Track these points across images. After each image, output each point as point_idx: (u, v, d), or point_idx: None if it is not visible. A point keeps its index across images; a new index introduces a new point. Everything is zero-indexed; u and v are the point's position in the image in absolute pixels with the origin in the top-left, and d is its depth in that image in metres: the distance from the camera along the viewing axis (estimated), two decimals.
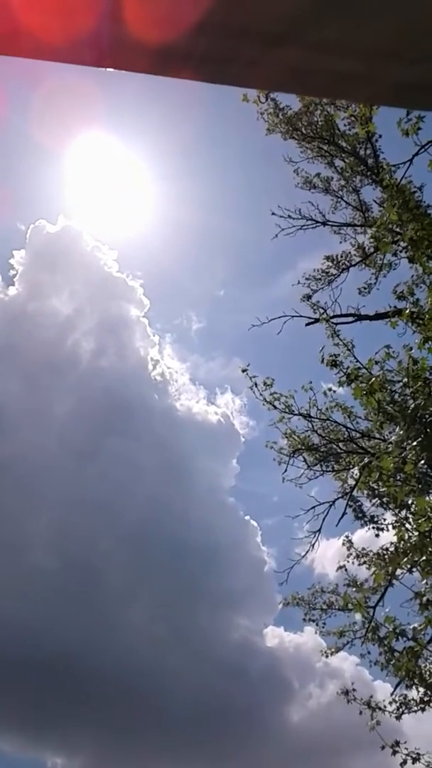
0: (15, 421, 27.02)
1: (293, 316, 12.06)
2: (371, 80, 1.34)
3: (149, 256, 30.71)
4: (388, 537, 11.19)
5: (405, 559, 8.52)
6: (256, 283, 31.70)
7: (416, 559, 8.17)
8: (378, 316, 11.75)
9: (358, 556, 11.50)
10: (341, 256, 12.92)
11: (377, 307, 11.94)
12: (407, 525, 8.80)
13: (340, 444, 11.54)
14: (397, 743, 9.06)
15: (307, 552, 12.29)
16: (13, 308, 27.23)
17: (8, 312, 27.32)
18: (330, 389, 11.08)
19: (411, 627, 8.89)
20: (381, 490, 10.09)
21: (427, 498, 8.25)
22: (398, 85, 1.35)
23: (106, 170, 24.51)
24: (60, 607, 25.23)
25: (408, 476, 7.92)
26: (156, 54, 1.21)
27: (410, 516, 8.79)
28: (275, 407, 11.24)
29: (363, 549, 11.58)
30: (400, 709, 9.91)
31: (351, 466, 11.79)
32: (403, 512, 9.36)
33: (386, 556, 10.86)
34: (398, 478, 8.27)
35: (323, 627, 11.82)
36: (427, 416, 8.18)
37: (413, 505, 8.35)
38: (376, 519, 11.63)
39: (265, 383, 11.13)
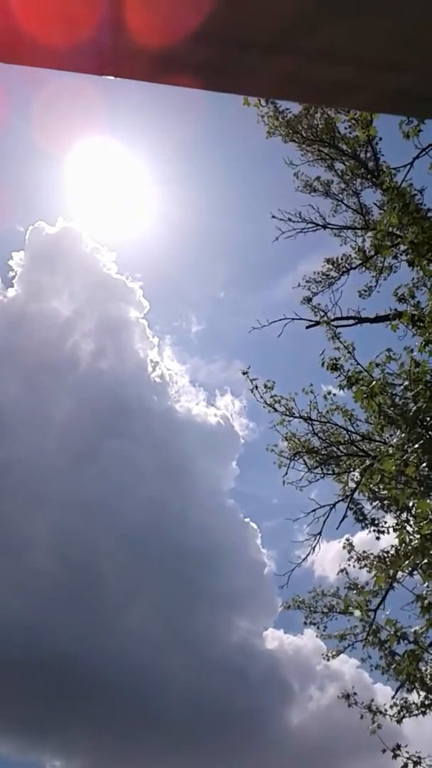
0: (14, 423, 27.04)
1: (294, 319, 12.08)
2: (368, 88, 1.35)
3: (149, 258, 30.73)
4: (389, 540, 11.20)
5: (406, 562, 8.51)
6: (256, 286, 31.73)
7: (417, 561, 8.16)
8: (379, 319, 11.76)
9: (359, 559, 11.50)
10: (341, 259, 12.94)
11: (378, 310, 11.96)
12: (408, 528, 8.80)
13: (341, 447, 11.54)
14: (398, 747, 9.06)
15: (307, 555, 12.29)
16: (12, 310, 27.28)
17: (7, 314, 27.36)
18: (330, 392, 11.10)
19: (412, 630, 8.90)
20: (382, 492, 10.09)
21: (429, 501, 8.24)
22: (395, 93, 1.36)
23: (105, 172, 24.57)
24: (59, 608, 25.22)
25: (409, 479, 7.92)
26: (155, 62, 1.22)
27: (411, 519, 8.78)
28: (276, 410, 11.26)
29: (364, 552, 11.58)
30: (401, 713, 9.90)
31: (352, 469, 11.78)
32: (405, 515, 9.36)
33: (387, 559, 10.86)
34: (400, 480, 8.27)
35: (324, 630, 11.82)
36: (428, 419, 8.19)
37: (414, 508, 8.35)
38: (376, 522, 11.62)
39: (265, 386, 11.15)
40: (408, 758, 9.03)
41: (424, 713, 9.82)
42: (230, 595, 26.61)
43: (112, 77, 1.23)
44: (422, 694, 9.71)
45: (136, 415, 28.00)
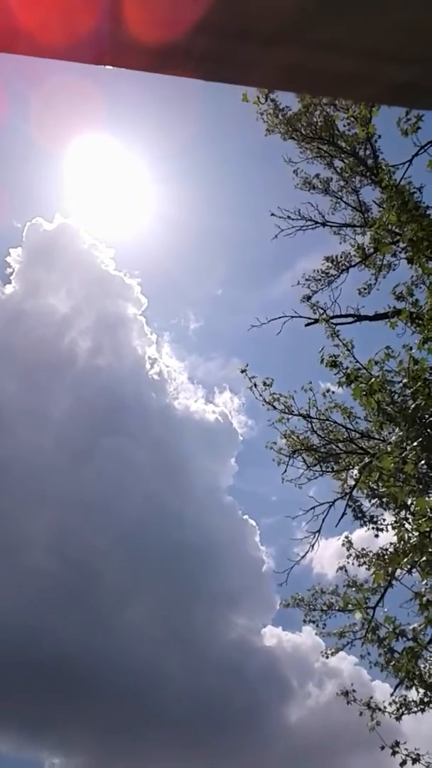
0: (12, 421, 26.98)
1: (293, 317, 12.07)
2: (370, 80, 1.35)
3: (147, 255, 30.72)
4: (387, 537, 11.20)
5: (405, 560, 8.51)
6: (254, 283, 31.73)
7: (416, 559, 8.16)
8: (377, 317, 11.76)
9: (357, 557, 11.50)
10: (341, 257, 12.93)
11: (377, 308, 11.96)
12: (407, 525, 8.80)
13: (340, 444, 11.54)
14: (397, 743, 9.06)
15: (306, 552, 12.30)
16: (9, 307, 27.23)
17: (5, 310, 27.31)
18: (329, 390, 11.10)
19: (411, 627, 8.90)
20: (381, 490, 10.09)
21: (428, 498, 8.24)
22: (397, 85, 1.35)
23: (103, 169, 24.54)
24: (57, 607, 25.21)
25: (408, 476, 7.92)
26: (155, 52, 1.21)
27: (410, 516, 8.78)
28: (275, 407, 11.26)
29: (363, 549, 11.59)
30: (400, 710, 9.90)
31: (351, 467, 11.79)
32: (403, 512, 9.36)
33: (386, 557, 10.86)
34: (398, 478, 8.27)
35: (323, 628, 11.83)
36: (427, 417, 8.19)
37: (413, 506, 8.34)
38: (375, 519, 11.63)
39: (264, 383, 11.15)
40: (407, 755, 9.04)
41: (423, 710, 9.83)
42: (228, 593, 26.64)
43: (110, 67, 1.22)
44: (421, 691, 9.72)
45: (134, 413, 27.99)
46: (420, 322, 8.91)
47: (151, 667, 25.21)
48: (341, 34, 1.25)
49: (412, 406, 8.33)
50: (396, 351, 9.30)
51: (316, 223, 12.79)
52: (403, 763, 8.96)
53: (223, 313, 32.82)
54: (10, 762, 24.18)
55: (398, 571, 9.81)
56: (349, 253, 12.85)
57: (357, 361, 9.55)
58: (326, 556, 15.08)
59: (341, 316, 11.74)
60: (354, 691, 9.99)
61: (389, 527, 10.95)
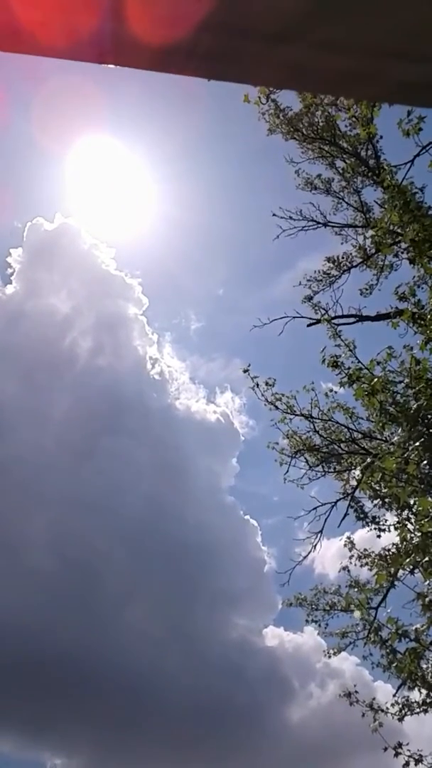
0: (12, 421, 27.00)
1: (294, 317, 12.06)
2: (375, 79, 1.33)
3: (148, 255, 30.72)
4: (390, 537, 11.19)
5: (407, 560, 8.50)
6: (255, 283, 31.74)
7: (419, 559, 8.15)
8: (379, 317, 11.74)
9: (360, 557, 11.49)
10: (342, 257, 12.92)
11: (379, 308, 11.95)
12: (409, 526, 8.79)
13: (342, 445, 11.52)
14: (400, 745, 9.04)
15: (308, 553, 12.28)
16: (10, 307, 27.23)
17: (6, 310, 27.31)
18: (331, 390, 11.08)
19: (413, 628, 8.89)
20: (383, 491, 10.08)
21: (430, 498, 8.23)
22: (403, 83, 1.34)
23: (104, 169, 24.54)
24: (58, 607, 25.21)
25: (410, 477, 7.91)
26: (158, 51, 1.20)
27: (413, 517, 8.77)
28: (277, 408, 11.24)
29: (365, 550, 11.57)
30: (403, 711, 9.89)
31: (353, 467, 11.78)
32: (406, 513, 9.34)
33: (388, 557, 10.85)
34: (400, 478, 8.26)
35: (325, 628, 11.81)
36: (429, 417, 8.17)
37: (416, 506, 8.33)
38: (377, 520, 11.61)
39: (266, 384, 11.13)
40: (409, 756, 9.02)
41: (425, 711, 9.81)
42: (230, 593, 26.63)
43: (112, 66, 1.21)
44: (423, 692, 9.70)
45: (135, 413, 27.98)
46: (422, 322, 8.90)
47: (152, 668, 25.23)
48: (345, 33, 1.24)
49: (415, 406, 8.32)
50: (398, 351, 9.30)
51: (318, 223, 12.79)
52: (406, 764, 8.95)
53: (225, 313, 32.84)
54: (12, 763, 24.20)
55: (401, 571, 9.80)
56: (351, 254, 12.85)
57: (359, 362, 9.54)
58: (328, 557, 15.07)
59: (343, 316, 11.74)
60: (356, 692, 9.97)
61: (392, 528, 10.94)
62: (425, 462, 8.17)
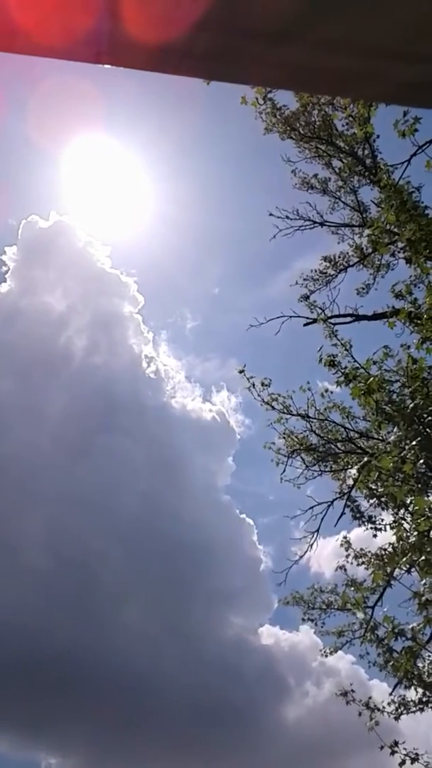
0: (7, 419, 26.92)
1: (291, 317, 12.06)
2: (373, 79, 1.33)
3: (143, 253, 30.66)
4: (386, 537, 11.20)
5: (404, 559, 8.51)
6: (251, 283, 31.73)
7: (415, 558, 8.16)
8: (376, 317, 11.75)
9: (356, 557, 11.50)
10: (339, 257, 12.93)
11: (375, 308, 11.95)
12: (406, 525, 8.80)
13: (339, 444, 11.53)
14: (396, 743, 9.06)
15: (305, 552, 12.29)
16: (5, 305, 27.15)
17: (0, 309, 27.24)
18: (328, 390, 11.09)
19: (410, 627, 8.90)
20: (379, 490, 10.09)
21: (426, 497, 8.24)
22: (402, 84, 1.33)
23: (99, 167, 24.48)
24: (53, 605, 25.17)
25: (407, 476, 7.91)
26: (155, 51, 1.20)
27: (409, 516, 8.78)
28: (273, 408, 11.24)
29: (361, 549, 11.59)
30: (399, 710, 9.90)
31: (349, 466, 11.78)
32: (402, 512, 9.35)
33: (384, 556, 10.86)
34: (397, 477, 8.26)
35: (322, 627, 11.83)
36: (425, 416, 8.18)
37: (412, 505, 8.34)
38: (374, 519, 11.63)
39: (262, 384, 11.13)
40: (406, 755, 9.04)
41: (421, 710, 9.83)
42: (226, 592, 26.64)
43: (109, 66, 1.21)
44: (420, 690, 9.72)
45: (131, 411, 27.94)
46: (419, 321, 8.91)
47: (148, 667, 25.22)
48: (344, 33, 1.23)
49: (411, 405, 8.33)
50: (394, 351, 9.31)
51: (314, 222, 12.79)
52: (402, 762, 8.97)
53: (220, 312, 32.83)
54: (7, 762, 24.16)
55: (397, 570, 9.81)
56: (347, 253, 12.86)
57: (355, 361, 9.55)
58: (324, 555, 15.10)
59: (339, 315, 11.74)
60: (353, 691, 9.99)
61: (388, 527, 10.95)
62: (421, 461, 8.17)
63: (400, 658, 8.88)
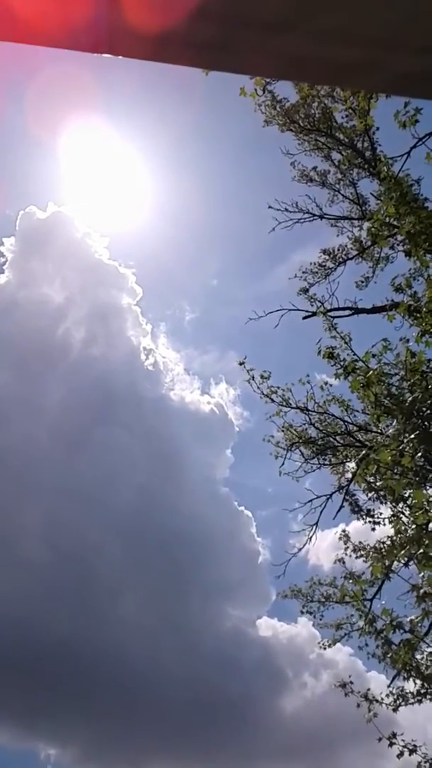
0: (5, 411, 26.89)
1: (290, 310, 12.04)
2: (374, 69, 1.32)
3: (142, 244, 30.53)
4: (384, 530, 11.23)
5: (402, 552, 8.53)
6: (250, 275, 31.67)
7: (413, 551, 8.18)
8: (375, 310, 11.73)
9: (355, 550, 11.53)
10: (338, 250, 12.91)
11: (375, 301, 11.94)
12: (404, 518, 8.82)
13: (338, 437, 11.54)
14: (394, 735, 9.10)
15: (304, 545, 12.32)
16: (3, 296, 27.08)
17: None
18: (327, 383, 11.08)
19: (408, 619, 8.93)
20: (378, 483, 10.10)
21: (424, 491, 8.25)
22: (402, 74, 1.32)
23: (97, 158, 24.36)
24: (51, 598, 25.24)
25: (405, 469, 7.92)
26: (154, 40, 1.19)
27: (407, 509, 8.80)
28: (272, 400, 11.25)
29: (360, 543, 11.62)
30: (397, 702, 9.95)
31: (348, 460, 11.80)
32: (400, 505, 9.37)
33: (383, 549, 10.89)
34: (395, 471, 8.27)
35: (320, 619, 11.87)
36: (424, 409, 8.18)
37: (410, 498, 8.36)
38: (372, 512, 11.65)
39: (261, 376, 11.13)
40: (404, 746, 9.08)
41: (419, 702, 9.88)
42: (223, 584, 26.71)
43: (108, 55, 1.20)
44: (418, 682, 9.76)
45: (129, 403, 27.90)
46: (418, 315, 8.90)
47: (145, 658, 25.30)
48: (344, 23, 1.23)
49: (410, 398, 8.33)
50: (394, 344, 9.30)
51: (314, 215, 12.76)
52: (400, 754, 9.02)
53: (219, 304, 32.79)
54: (6, 753, 24.29)
55: (395, 563, 9.84)
56: (347, 246, 12.83)
57: (354, 354, 9.54)
58: (322, 548, 15.13)
59: (338, 309, 11.72)
60: (351, 682, 10.03)
61: (386, 520, 10.98)
62: (420, 454, 8.18)
63: (398, 650, 8.92)
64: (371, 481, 10.28)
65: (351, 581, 11.18)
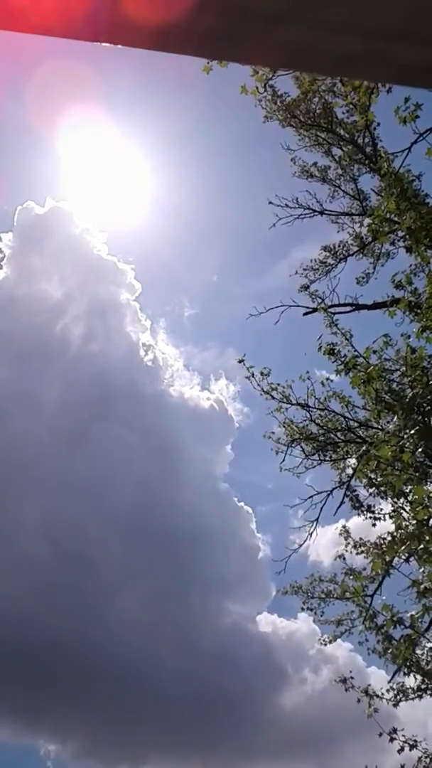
0: (4, 408, 26.89)
1: (291, 306, 12.03)
2: (377, 60, 1.31)
3: (141, 240, 30.47)
4: (385, 526, 11.23)
5: (402, 548, 8.54)
6: (250, 271, 31.64)
7: (414, 547, 8.18)
8: (376, 306, 11.72)
9: (355, 546, 11.53)
10: (339, 246, 12.89)
11: (375, 297, 11.93)
12: (404, 514, 8.82)
13: (338, 433, 11.53)
14: (395, 730, 9.12)
15: (304, 541, 12.32)
16: (0, 292, 27.05)
17: None
18: (328, 379, 11.07)
19: (408, 615, 8.93)
20: (378, 479, 10.10)
21: (425, 487, 8.25)
22: (405, 65, 1.31)
23: (96, 152, 24.30)
24: (50, 593, 25.26)
25: (405, 465, 7.92)
26: (155, 29, 1.18)
27: (408, 505, 8.80)
28: (273, 397, 11.24)
29: (360, 538, 11.62)
30: (398, 697, 9.97)
31: (349, 456, 11.79)
32: (401, 501, 9.37)
33: (383, 545, 10.89)
34: (396, 466, 8.27)
35: (321, 615, 11.87)
36: (425, 405, 8.18)
37: (411, 494, 8.36)
38: (373, 508, 11.65)
39: (261, 373, 11.12)
40: (404, 742, 9.10)
41: (420, 697, 9.90)
42: (223, 580, 26.74)
43: (108, 45, 1.18)
44: (418, 678, 9.78)
45: (128, 399, 27.88)
46: (418, 311, 8.88)
47: (145, 654, 25.34)
48: (346, 14, 1.21)
49: (410, 394, 8.32)
50: (394, 340, 9.28)
51: (314, 211, 12.74)
52: (401, 749, 9.03)
53: (219, 300, 32.77)
54: (6, 749, 24.37)
55: (396, 559, 9.84)
56: (347, 242, 12.82)
57: (355, 350, 9.53)
58: (322, 544, 15.13)
59: (339, 305, 11.72)
60: (352, 677, 10.05)
61: (387, 516, 10.98)
62: (420, 450, 8.18)
63: (399, 646, 8.92)
64: (372, 476, 10.28)
65: (351, 577, 11.18)
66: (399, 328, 9.52)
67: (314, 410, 11.32)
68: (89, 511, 26.11)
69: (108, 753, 25.53)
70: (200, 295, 32.11)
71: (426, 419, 8.20)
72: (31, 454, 26.49)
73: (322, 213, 12.78)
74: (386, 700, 9.94)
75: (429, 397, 8.19)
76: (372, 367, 8.70)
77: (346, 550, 11.58)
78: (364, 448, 10.23)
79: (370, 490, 11.36)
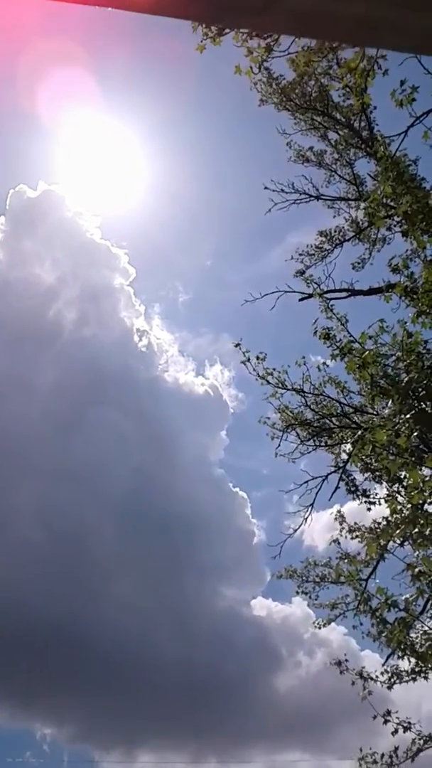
0: None
1: (286, 291, 11.99)
2: (383, 27, 1.29)
3: (134, 225, 30.32)
4: (380, 510, 11.27)
5: (397, 532, 8.57)
6: (245, 256, 31.55)
7: (408, 531, 8.22)
8: (372, 291, 11.70)
9: (350, 530, 11.58)
10: (335, 231, 12.84)
11: (371, 282, 11.90)
12: (399, 498, 8.85)
13: (333, 419, 11.54)
14: (389, 713, 9.21)
15: (299, 526, 12.36)
16: None
17: None
18: (324, 363, 11.06)
19: (403, 598, 8.99)
20: (374, 464, 10.13)
21: (420, 471, 8.27)
22: (411, 32, 1.30)
23: (89, 136, 24.13)
24: (46, 578, 25.36)
25: (401, 449, 7.93)
26: None
27: (402, 489, 8.83)
28: (268, 382, 11.22)
29: (355, 523, 11.67)
30: (392, 680, 10.05)
31: (344, 441, 11.81)
32: (396, 485, 9.40)
33: (378, 530, 10.94)
34: (391, 451, 8.29)
35: (315, 599, 11.94)
36: (420, 390, 8.19)
37: (406, 478, 8.38)
38: (368, 493, 11.69)
39: (257, 357, 11.09)
40: (398, 724, 9.19)
41: (414, 680, 9.98)
42: (218, 565, 26.88)
43: (110, 9, 1.16)
44: (412, 660, 9.85)
45: (122, 385, 27.85)
46: (414, 295, 8.86)
47: (140, 638, 25.48)
48: None
49: (406, 379, 8.33)
50: (390, 325, 9.27)
51: (310, 196, 12.68)
52: (395, 731, 9.12)
53: (213, 285, 32.70)
54: (2, 732, 24.56)
55: (390, 543, 9.89)
56: (343, 227, 12.77)
57: (351, 335, 9.51)
58: (317, 529, 15.19)
59: (335, 290, 11.69)
60: (347, 660, 10.12)
61: (382, 501, 11.02)
62: (415, 434, 8.19)
63: (393, 629, 8.98)
64: (367, 461, 10.30)
65: (346, 561, 11.24)
66: (395, 313, 9.52)
67: (310, 395, 11.32)
68: (84, 497, 26.16)
69: (104, 736, 25.78)
70: (195, 281, 32.06)
71: (421, 404, 8.21)
72: (24, 438, 26.47)
73: (318, 198, 12.72)
74: (380, 682, 10.03)
75: (424, 382, 8.20)
76: (367, 353, 8.69)
77: (341, 535, 11.64)
78: (359, 433, 10.24)
79: (366, 475, 11.40)
